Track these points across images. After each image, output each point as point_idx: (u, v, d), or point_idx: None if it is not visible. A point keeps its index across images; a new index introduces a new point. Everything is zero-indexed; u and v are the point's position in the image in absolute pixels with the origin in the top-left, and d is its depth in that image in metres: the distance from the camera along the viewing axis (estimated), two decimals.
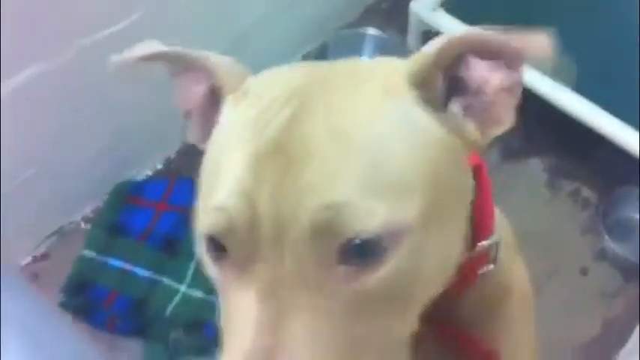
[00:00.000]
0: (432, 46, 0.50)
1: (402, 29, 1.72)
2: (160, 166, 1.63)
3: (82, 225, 1.53)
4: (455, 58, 0.50)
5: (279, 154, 0.45)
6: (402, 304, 0.48)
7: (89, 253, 1.46)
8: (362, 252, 0.44)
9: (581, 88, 1.50)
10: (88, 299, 1.41)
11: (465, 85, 0.51)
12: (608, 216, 1.56)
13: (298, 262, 0.44)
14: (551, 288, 1.51)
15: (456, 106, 0.51)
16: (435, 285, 0.50)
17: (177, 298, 1.43)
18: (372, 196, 0.44)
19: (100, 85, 1.38)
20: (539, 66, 0.51)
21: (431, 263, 0.48)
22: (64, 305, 1.39)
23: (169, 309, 1.42)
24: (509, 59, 0.50)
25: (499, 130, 0.52)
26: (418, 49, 0.51)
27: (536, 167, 1.69)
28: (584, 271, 1.55)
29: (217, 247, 0.47)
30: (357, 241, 0.44)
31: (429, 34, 1.60)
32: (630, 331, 1.44)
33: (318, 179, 0.44)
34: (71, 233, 1.52)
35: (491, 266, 0.60)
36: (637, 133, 1.48)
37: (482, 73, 0.51)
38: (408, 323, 0.49)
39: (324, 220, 0.44)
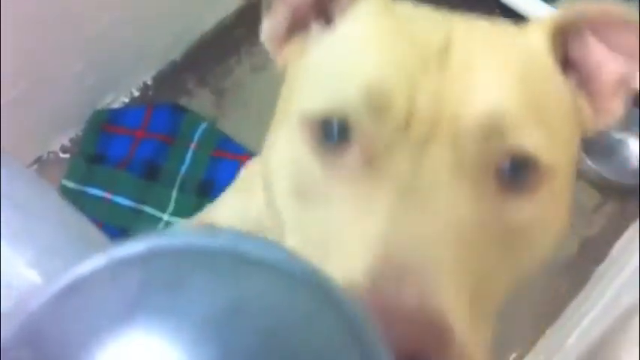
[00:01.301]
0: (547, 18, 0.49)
1: None
2: (136, 93, 1.61)
3: (61, 155, 1.52)
4: (572, 31, 0.48)
5: (439, 60, 0.43)
6: (519, 257, 0.45)
7: (69, 184, 1.45)
8: (517, 173, 0.43)
9: None
10: None
11: (578, 66, 0.49)
12: None
13: (455, 158, 0.41)
14: None
15: (570, 81, 0.49)
16: (544, 250, 0.48)
17: (159, 228, 1.43)
18: (533, 121, 0.43)
19: (72, 9, 1.35)
20: None
21: (556, 219, 0.47)
22: None
23: None
24: (628, 45, 0.47)
25: (605, 121, 0.50)
26: None
27: None
28: None
29: (332, 141, 0.43)
30: (518, 153, 0.42)
31: None
32: (608, 249, 1.48)
33: (482, 86, 0.42)
34: (50, 163, 1.51)
35: None
36: None
37: (598, 57, 0.48)
38: (507, 288, 0.46)
39: (491, 125, 0.42)
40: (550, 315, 1.40)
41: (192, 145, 1.52)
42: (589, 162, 1.54)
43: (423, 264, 0.37)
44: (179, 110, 1.56)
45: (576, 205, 1.70)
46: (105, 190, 1.45)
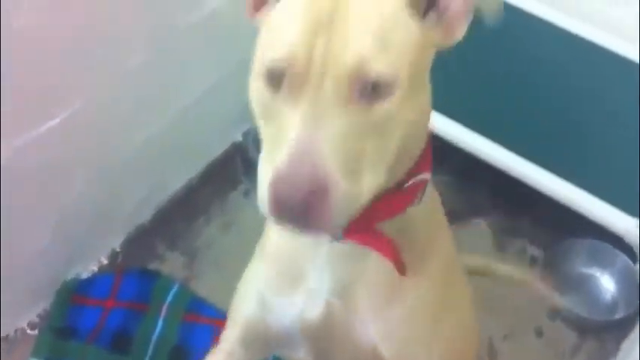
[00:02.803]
0: None
1: None
2: (105, 261, 1.60)
3: (29, 331, 1.48)
4: None
5: (329, 20, 0.70)
6: (388, 141, 0.72)
7: None
8: (375, 89, 0.69)
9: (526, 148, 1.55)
10: None
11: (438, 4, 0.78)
12: (555, 271, 1.58)
13: (336, 90, 0.68)
14: (508, 350, 1.51)
15: (431, 17, 0.77)
16: (410, 140, 0.75)
17: None
18: (386, 57, 0.70)
19: (39, 181, 1.35)
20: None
21: (411, 116, 0.73)
22: None
23: None
24: None
25: (453, 40, 0.78)
26: None
27: (480, 227, 1.70)
28: (539, 332, 1.55)
29: (275, 81, 0.70)
30: (374, 80, 0.69)
31: None
32: None
33: (354, 38, 0.70)
34: (17, 341, 1.46)
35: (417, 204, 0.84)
36: (574, 187, 1.52)
37: None
38: (384, 160, 0.73)
39: (358, 63, 0.69)
40: None
41: (164, 310, 1.49)
42: (563, 302, 1.53)
43: (317, 152, 0.66)
44: (149, 275, 1.55)
45: (554, 348, 1.67)
46: None
